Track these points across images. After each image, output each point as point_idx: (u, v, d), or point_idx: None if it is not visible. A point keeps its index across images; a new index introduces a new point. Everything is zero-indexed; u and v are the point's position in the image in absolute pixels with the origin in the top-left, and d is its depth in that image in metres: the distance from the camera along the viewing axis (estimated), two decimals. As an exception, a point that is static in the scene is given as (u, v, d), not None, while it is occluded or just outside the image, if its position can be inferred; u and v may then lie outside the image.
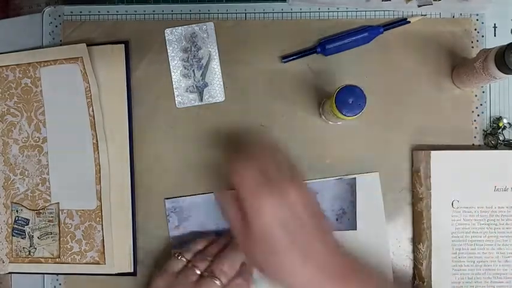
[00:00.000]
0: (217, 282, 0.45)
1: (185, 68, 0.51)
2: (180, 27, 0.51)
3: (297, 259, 0.39)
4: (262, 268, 0.41)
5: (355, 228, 0.51)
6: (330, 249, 0.40)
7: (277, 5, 0.53)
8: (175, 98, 0.52)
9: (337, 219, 0.51)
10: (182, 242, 0.51)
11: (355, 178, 0.51)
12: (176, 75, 0.52)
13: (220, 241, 0.50)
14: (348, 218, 0.51)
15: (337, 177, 0.51)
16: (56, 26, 0.53)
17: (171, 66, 0.52)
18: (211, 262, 0.47)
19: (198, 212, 0.52)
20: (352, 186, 0.51)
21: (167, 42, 0.52)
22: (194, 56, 0.51)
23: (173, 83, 0.52)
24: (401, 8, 0.53)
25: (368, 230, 0.51)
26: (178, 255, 0.48)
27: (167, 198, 0.52)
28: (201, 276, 0.46)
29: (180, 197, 0.52)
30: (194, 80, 0.50)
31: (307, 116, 0.52)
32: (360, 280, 0.40)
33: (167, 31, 0.52)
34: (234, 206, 0.42)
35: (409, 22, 0.52)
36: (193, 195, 0.52)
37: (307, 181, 0.51)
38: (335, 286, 0.39)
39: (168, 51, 0.52)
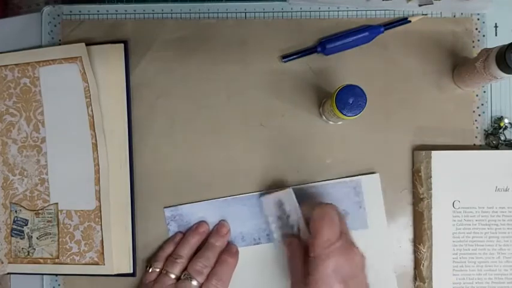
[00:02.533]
0: (194, 282, 0.47)
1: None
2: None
3: None
4: None
5: (365, 228, 0.51)
6: None
7: (277, 4, 0.53)
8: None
9: None
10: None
11: (359, 179, 0.51)
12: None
13: (188, 239, 0.50)
14: (352, 218, 0.51)
15: (336, 180, 0.51)
16: (55, 26, 0.53)
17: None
18: (187, 263, 0.48)
19: (197, 219, 0.52)
20: (355, 188, 0.51)
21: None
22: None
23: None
24: (401, 8, 0.52)
25: (372, 231, 0.51)
26: (149, 268, 0.50)
27: (166, 207, 0.52)
28: (178, 279, 0.48)
29: (179, 205, 0.52)
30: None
31: (307, 116, 0.52)
32: None
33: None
34: (300, 254, 0.44)
35: (410, 21, 0.52)
36: (192, 203, 0.52)
37: (308, 184, 0.51)
38: None
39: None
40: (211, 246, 0.50)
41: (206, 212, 0.52)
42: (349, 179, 0.51)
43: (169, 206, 0.52)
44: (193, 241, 0.50)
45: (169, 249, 0.50)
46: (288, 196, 0.48)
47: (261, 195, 0.51)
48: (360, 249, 0.43)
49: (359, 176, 0.51)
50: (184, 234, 0.51)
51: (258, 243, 0.51)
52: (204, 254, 0.49)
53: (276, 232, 0.50)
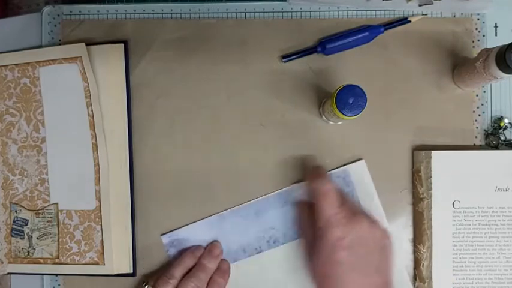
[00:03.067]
0: None
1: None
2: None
3: (351, 285, 0.42)
4: (318, 283, 0.45)
5: None
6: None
7: (277, 4, 0.53)
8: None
9: None
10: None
11: (346, 169, 0.51)
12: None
13: (184, 260, 0.50)
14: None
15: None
16: (55, 26, 0.53)
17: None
18: (179, 283, 0.48)
19: (195, 240, 0.52)
20: (344, 178, 0.51)
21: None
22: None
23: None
24: (401, 8, 0.52)
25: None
26: (145, 284, 0.50)
27: (163, 234, 0.52)
28: None
29: (175, 229, 0.52)
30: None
31: (307, 116, 0.52)
32: None
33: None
34: (308, 219, 0.47)
35: (410, 21, 0.52)
36: (188, 225, 0.52)
37: (297, 183, 0.51)
38: None
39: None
40: (204, 267, 0.49)
41: (203, 231, 0.52)
42: (336, 170, 0.51)
43: (166, 233, 0.52)
44: (188, 263, 0.50)
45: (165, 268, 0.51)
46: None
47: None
48: (370, 214, 0.46)
49: (345, 166, 0.51)
50: (181, 255, 0.51)
51: (259, 252, 0.51)
52: (196, 274, 0.49)
53: None
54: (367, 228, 0.44)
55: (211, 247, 0.51)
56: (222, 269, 0.51)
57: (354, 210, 0.45)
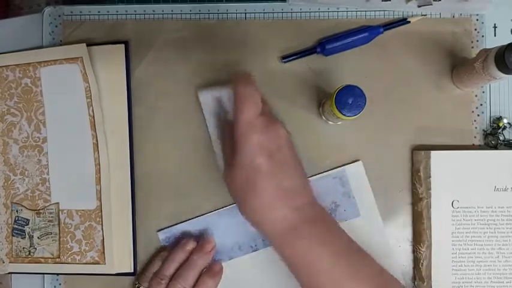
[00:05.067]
0: None
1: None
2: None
3: (273, 192, 0.40)
4: (240, 201, 0.42)
5: (357, 216, 0.51)
6: (306, 191, 0.42)
7: (277, 5, 0.53)
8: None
9: (330, 213, 0.51)
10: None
11: (343, 169, 0.51)
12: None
13: (174, 257, 0.49)
14: (344, 209, 0.51)
15: (321, 175, 0.51)
16: (56, 26, 0.53)
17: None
18: (169, 281, 0.48)
19: (192, 237, 0.51)
20: (341, 178, 0.51)
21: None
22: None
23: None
24: (401, 8, 0.53)
25: (364, 218, 0.51)
26: (138, 285, 0.50)
27: (159, 230, 0.52)
28: None
29: (171, 226, 0.52)
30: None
31: (307, 116, 0.52)
32: (326, 226, 0.42)
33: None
34: (229, 135, 0.44)
35: (409, 22, 0.52)
36: (185, 222, 0.52)
37: None
38: (304, 228, 0.40)
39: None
40: (193, 264, 0.48)
41: (199, 228, 0.52)
42: (333, 170, 0.51)
43: (163, 229, 0.52)
44: (179, 259, 0.49)
45: (156, 265, 0.50)
46: (229, 95, 0.49)
47: (199, 90, 0.51)
48: (284, 125, 0.43)
49: (343, 166, 0.51)
50: (171, 251, 0.50)
51: (255, 250, 0.52)
52: (183, 274, 0.48)
53: (213, 130, 0.50)
54: (284, 136, 0.42)
55: (203, 242, 0.50)
56: (213, 270, 0.49)
57: (272, 116, 0.43)
